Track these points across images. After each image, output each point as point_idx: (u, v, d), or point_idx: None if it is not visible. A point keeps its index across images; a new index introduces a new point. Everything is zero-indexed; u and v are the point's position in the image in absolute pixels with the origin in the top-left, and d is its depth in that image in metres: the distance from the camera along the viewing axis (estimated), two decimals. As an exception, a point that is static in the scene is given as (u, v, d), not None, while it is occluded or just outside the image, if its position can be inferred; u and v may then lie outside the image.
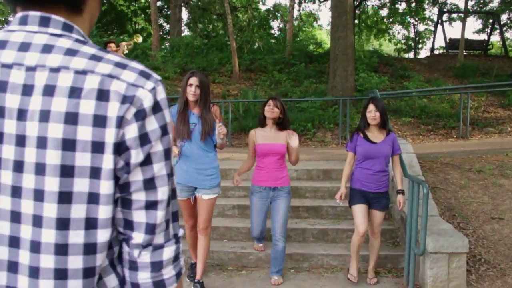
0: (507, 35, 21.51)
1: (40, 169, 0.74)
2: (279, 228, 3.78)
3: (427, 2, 21.02)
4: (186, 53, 14.53)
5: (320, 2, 20.72)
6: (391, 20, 22.63)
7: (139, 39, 8.58)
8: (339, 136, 8.85)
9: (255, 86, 12.31)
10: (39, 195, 0.75)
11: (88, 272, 0.79)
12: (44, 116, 0.74)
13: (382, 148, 3.73)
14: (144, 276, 0.85)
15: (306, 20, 23.92)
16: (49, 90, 0.75)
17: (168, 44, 16.84)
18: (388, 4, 21.22)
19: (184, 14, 22.86)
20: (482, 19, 22.75)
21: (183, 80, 3.55)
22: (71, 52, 0.78)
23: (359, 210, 3.72)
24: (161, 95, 0.82)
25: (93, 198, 0.77)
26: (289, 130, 3.79)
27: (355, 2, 16.45)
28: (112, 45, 7.65)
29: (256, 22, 19.68)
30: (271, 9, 21.08)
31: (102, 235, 0.79)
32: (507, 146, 7.30)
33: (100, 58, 0.79)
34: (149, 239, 0.84)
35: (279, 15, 20.99)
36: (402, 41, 24.65)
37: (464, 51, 16.16)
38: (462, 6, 18.30)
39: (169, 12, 20.60)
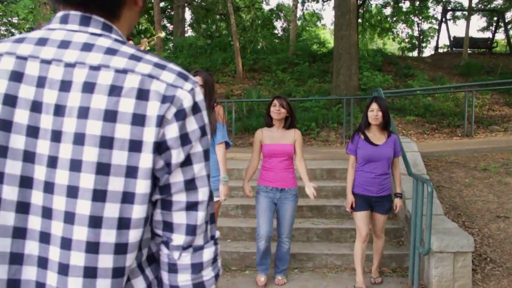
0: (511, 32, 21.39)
1: (75, 165, 0.74)
2: (285, 230, 3.76)
3: (430, 0, 20.93)
4: (190, 54, 14.54)
5: (324, 1, 20.72)
6: (394, 18, 22.55)
7: (162, 34, 8.56)
8: (343, 135, 8.82)
9: (258, 86, 12.31)
10: (72, 191, 0.74)
11: (117, 272, 0.78)
12: (83, 112, 0.74)
13: (384, 151, 3.62)
14: (184, 278, 0.85)
15: (310, 19, 23.89)
16: (88, 87, 0.75)
17: (172, 44, 16.87)
18: (391, 3, 21.15)
19: (188, 15, 22.91)
20: (487, 17, 22.61)
21: None
22: (111, 51, 0.79)
23: (360, 217, 3.65)
24: (199, 96, 0.83)
25: (127, 198, 0.76)
26: (307, 182, 3.69)
27: (359, 1, 16.39)
28: (131, 42, 7.64)
29: (259, 22, 19.70)
30: (274, 9, 21.03)
31: (134, 235, 0.78)
32: (513, 144, 7.23)
33: (140, 58, 0.80)
34: (190, 241, 0.84)
35: (282, 15, 20.93)
36: (406, 40, 24.50)
37: (468, 49, 16.08)
38: (466, 4, 18.21)
39: (172, 13, 20.62)
